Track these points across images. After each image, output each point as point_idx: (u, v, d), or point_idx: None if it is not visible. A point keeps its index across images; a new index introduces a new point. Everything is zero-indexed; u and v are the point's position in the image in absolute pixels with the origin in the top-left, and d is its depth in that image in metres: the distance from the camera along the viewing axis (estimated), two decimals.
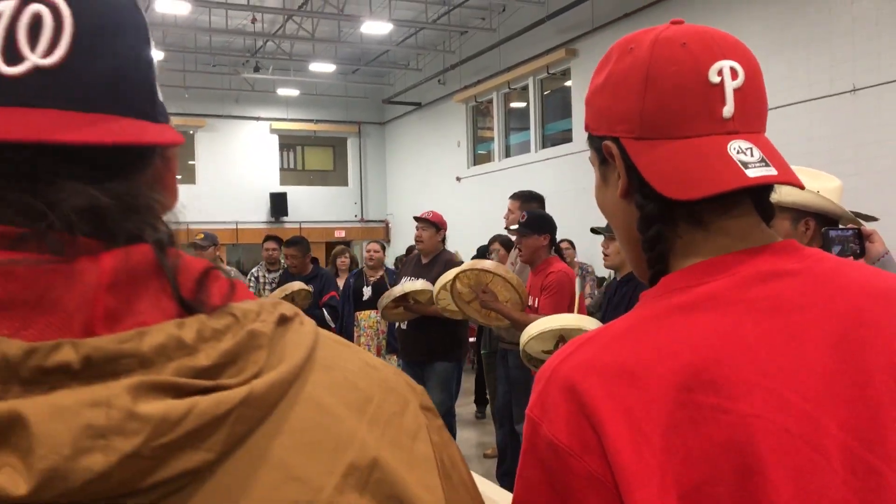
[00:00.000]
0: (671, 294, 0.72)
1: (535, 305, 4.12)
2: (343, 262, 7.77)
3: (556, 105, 13.65)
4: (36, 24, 0.47)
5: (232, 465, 0.44)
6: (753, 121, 0.74)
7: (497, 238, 5.72)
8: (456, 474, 0.56)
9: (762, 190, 0.76)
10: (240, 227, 17.23)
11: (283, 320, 0.51)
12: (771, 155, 0.73)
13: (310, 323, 0.54)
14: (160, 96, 0.55)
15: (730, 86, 0.72)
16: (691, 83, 0.72)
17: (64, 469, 0.38)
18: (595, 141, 0.80)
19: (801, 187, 0.74)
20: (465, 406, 7.26)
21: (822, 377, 0.65)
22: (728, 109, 0.72)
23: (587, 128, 0.82)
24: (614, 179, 0.78)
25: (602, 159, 0.80)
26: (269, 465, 0.45)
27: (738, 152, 0.71)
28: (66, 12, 0.48)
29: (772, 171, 0.71)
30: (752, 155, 0.71)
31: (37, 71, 0.47)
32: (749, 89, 0.74)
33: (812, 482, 0.61)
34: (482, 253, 6.27)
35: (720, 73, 0.72)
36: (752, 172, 0.70)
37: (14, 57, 0.46)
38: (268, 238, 6.81)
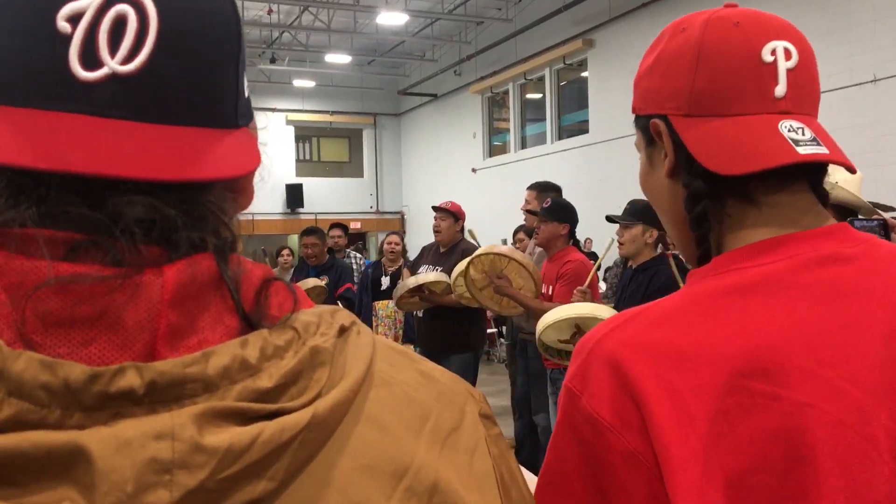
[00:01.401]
0: (724, 274, 0.69)
1: (550, 293, 4.11)
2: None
3: (573, 96, 13.60)
4: (119, 26, 0.44)
5: (294, 492, 0.42)
6: (806, 103, 0.73)
7: (521, 228, 5.74)
8: (515, 489, 0.54)
9: (816, 172, 0.74)
10: (256, 218, 17.30)
11: (342, 331, 0.49)
12: (822, 136, 0.71)
13: (366, 332, 0.51)
14: (246, 93, 0.52)
15: (783, 66, 0.71)
16: (744, 61, 0.71)
17: None
18: (642, 121, 0.79)
19: (854, 170, 0.73)
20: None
21: (875, 367, 0.63)
22: (780, 89, 0.71)
23: (634, 109, 0.80)
24: (661, 160, 0.77)
25: (649, 140, 0.78)
26: (331, 491, 0.44)
27: (789, 130, 0.70)
28: (152, 13, 0.45)
29: (823, 150, 0.69)
30: (803, 134, 0.70)
31: (113, 78, 0.44)
32: (802, 71, 0.72)
33: (861, 473, 0.60)
34: None
35: (773, 52, 0.71)
36: (803, 150, 0.68)
37: (92, 61, 0.43)
38: (330, 227, 7.14)
